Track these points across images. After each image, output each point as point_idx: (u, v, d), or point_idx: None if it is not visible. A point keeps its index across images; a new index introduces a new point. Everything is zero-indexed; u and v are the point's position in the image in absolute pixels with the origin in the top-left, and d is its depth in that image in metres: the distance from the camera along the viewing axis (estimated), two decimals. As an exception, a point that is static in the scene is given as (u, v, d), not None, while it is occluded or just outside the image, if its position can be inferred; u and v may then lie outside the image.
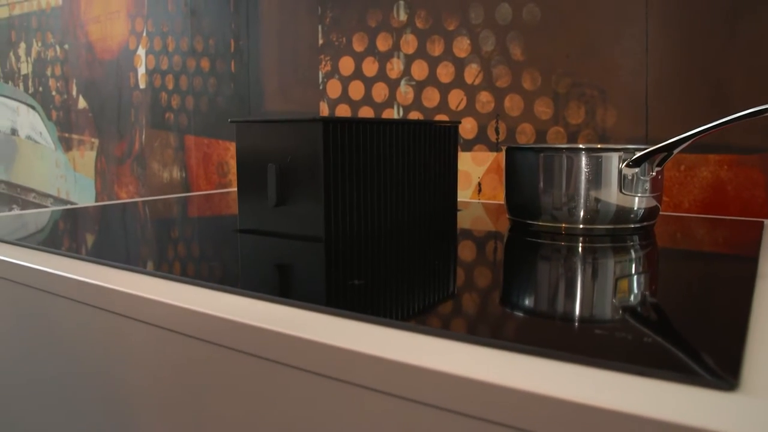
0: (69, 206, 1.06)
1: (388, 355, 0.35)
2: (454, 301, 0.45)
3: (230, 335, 0.43)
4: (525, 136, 1.09)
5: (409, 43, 1.22)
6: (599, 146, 0.71)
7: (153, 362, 0.51)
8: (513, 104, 1.10)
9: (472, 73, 1.15)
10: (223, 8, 1.54)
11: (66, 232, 0.78)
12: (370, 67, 1.28)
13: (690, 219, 0.87)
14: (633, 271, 0.54)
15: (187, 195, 1.29)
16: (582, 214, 0.72)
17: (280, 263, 0.58)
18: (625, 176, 0.70)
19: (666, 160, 0.70)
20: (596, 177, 0.70)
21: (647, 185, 0.71)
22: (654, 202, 0.73)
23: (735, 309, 0.42)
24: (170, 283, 0.53)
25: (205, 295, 0.49)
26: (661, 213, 0.95)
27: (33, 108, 2.16)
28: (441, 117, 1.19)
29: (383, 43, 1.26)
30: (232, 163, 1.55)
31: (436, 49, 1.19)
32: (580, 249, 0.64)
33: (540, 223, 0.75)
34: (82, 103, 1.96)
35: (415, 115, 1.22)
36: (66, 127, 2.03)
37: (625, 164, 0.70)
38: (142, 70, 1.76)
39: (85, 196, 2.00)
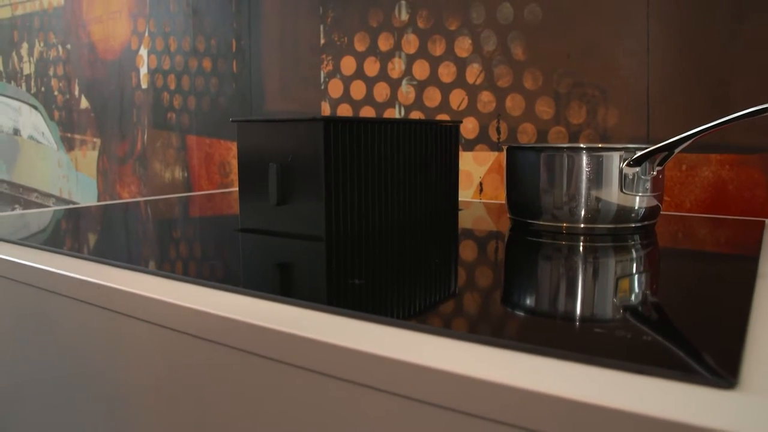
0: (71, 206, 1.06)
1: (388, 354, 0.35)
2: (454, 300, 0.45)
3: (231, 334, 0.43)
4: (526, 135, 1.09)
5: (411, 42, 1.22)
6: (600, 146, 0.71)
7: (154, 361, 0.51)
8: (514, 104, 1.10)
9: (473, 73, 1.15)
10: (225, 8, 1.54)
11: (68, 232, 0.79)
12: (371, 67, 1.28)
13: (691, 218, 0.87)
14: (634, 271, 0.54)
15: (189, 195, 1.29)
16: (583, 213, 0.72)
17: (281, 262, 0.59)
18: (626, 176, 0.70)
19: (667, 160, 0.70)
20: (597, 176, 0.70)
21: (648, 185, 0.71)
22: (655, 202, 0.73)
23: (735, 308, 0.42)
24: (172, 283, 0.53)
25: (206, 294, 0.49)
26: (662, 213, 0.95)
27: (35, 108, 2.16)
28: (442, 117, 1.19)
29: (385, 43, 1.26)
30: (234, 163, 1.55)
31: (438, 48, 1.19)
32: (581, 248, 0.64)
33: (541, 223, 0.75)
34: (84, 103, 1.97)
35: (416, 115, 1.22)
36: (68, 127, 2.04)
37: (626, 164, 0.70)
38: (144, 70, 1.76)
39: (87, 196, 2.00)
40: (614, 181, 0.70)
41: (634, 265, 0.56)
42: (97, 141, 1.94)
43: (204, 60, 1.60)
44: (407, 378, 0.35)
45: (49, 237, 0.75)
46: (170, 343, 0.49)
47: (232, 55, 1.54)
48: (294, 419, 0.41)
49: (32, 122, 2.18)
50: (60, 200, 2.12)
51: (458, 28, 1.16)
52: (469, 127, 1.16)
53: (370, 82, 1.28)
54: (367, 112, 1.29)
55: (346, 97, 1.32)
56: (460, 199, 1.17)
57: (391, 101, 1.25)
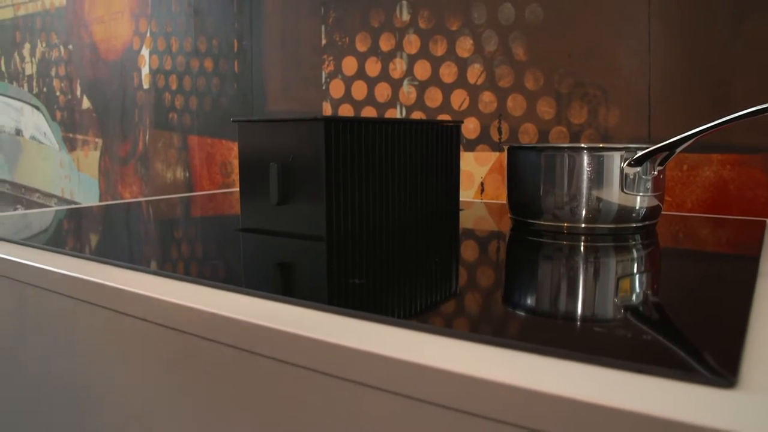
0: (73, 206, 1.06)
1: (389, 353, 0.35)
2: (456, 299, 0.45)
3: (232, 334, 0.43)
4: (528, 135, 1.09)
5: (412, 43, 1.22)
6: (601, 145, 0.71)
7: (156, 360, 0.51)
8: (515, 104, 1.10)
9: (474, 73, 1.15)
10: (227, 8, 1.54)
11: (70, 232, 0.79)
12: (373, 67, 1.28)
13: (692, 218, 0.87)
14: (634, 271, 0.54)
15: (191, 195, 1.29)
16: (584, 213, 0.72)
17: (282, 262, 0.59)
18: (626, 175, 0.70)
19: (668, 160, 0.70)
20: (598, 176, 0.70)
21: (649, 184, 0.71)
22: (656, 202, 0.73)
23: (735, 307, 0.42)
24: (173, 282, 0.53)
25: (207, 294, 0.49)
26: (663, 212, 0.95)
27: (37, 108, 2.17)
28: (444, 117, 1.19)
29: (386, 43, 1.26)
30: (236, 163, 1.56)
31: (439, 49, 1.19)
32: (581, 248, 0.64)
33: (542, 223, 0.75)
34: (86, 104, 1.97)
35: (417, 115, 1.22)
36: (70, 128, 2.04)
37: (626, 163, 0.70)
38: (145, 71, 1.77)
39: (89, 196, 2.01)
40: (615, 180, 0.70)
41: (635, 265, 0.57)
42: (99, 141, 1.94)
43: (205, 60, 1.61)
44: (408, 377, 0.35)
45: (51, 237, 0.75)
46: (172, 343, 0.49)
47: (233, 55, 1.54)
48: (295, 418, 0.41)
49: (34, 122, 2.19)
50: (62, 200, 2.12)
51: (459, 28, 1.16)
52: (470, 127, 1.16)
53: (372, 83, 1.28)
54: (369, 112, 1.29)
55: (347, 97, 1.32)
56: (461, 199, 1.17)
57: (393, 101, 1.25)
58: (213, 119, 1.61)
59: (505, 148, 0.80)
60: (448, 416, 0.34)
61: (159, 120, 1.74)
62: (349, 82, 1.32)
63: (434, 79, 1.20)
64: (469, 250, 0.64)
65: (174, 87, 1.69)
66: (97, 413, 0.58)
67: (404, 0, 1.22)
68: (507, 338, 0.36)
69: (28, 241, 0.72)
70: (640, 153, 0.69)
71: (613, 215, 0.71)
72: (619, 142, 1.00)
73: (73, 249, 0.66)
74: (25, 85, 2.20)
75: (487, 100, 1.14)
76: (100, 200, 1.97)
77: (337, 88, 1.34)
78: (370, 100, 1.29)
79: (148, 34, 1.75)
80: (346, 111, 1.33)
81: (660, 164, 0.71)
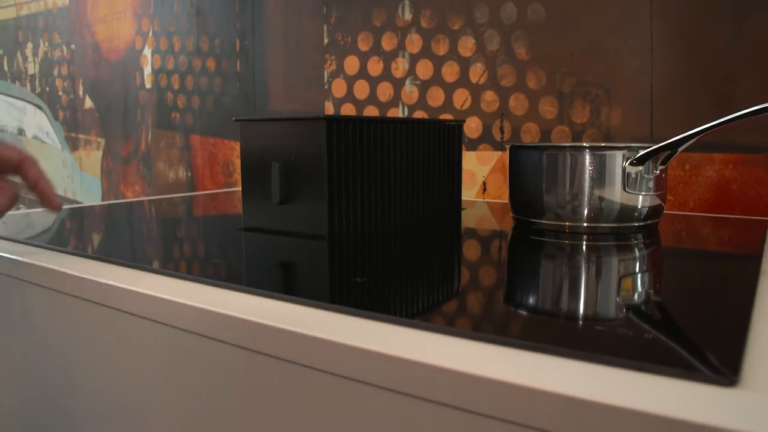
0: (75, 205, 1.06)
1: (391, 352, 0.35)
2: (458, 298, 0.45)
3: (234, 332, 0.43)
4: (530, 135, 1.09)
5: (414, 42, 1.22)
6: (603, 144, 0.71)
7: (158, 359, 0.51)
8: (518, 103, 1.10)
9: (476, 73, 1.15)
10: (229, 8, 1.54)
11: (73, 231, 0.79)
12: (375, 67, 1.28)
13: (695, 218, 0.87)
14: (636, 270, 0.54)
15: (193, 194, 1.29)
16: (586, 212, 0.72)
17: (284, 261, 0.59)
18: (628, 174, 0.70)
19: (670, 159, 0.70)
20: (600, 175, 0.70)
21: (651, 183, 0.71)
22: (658, 201, 0.73)
23: (737, 306, 0.42)
24: (175, 281, 0.53)
25: (209, 292, 0.49)
26: (665, 212, 0.95)
27: (40, 108, 2.17)
28: (446, 116, 1.19)
29: (388, 43, 1.26)
30: (238, 163, 1.56)
31: (441, 48, 1.19)
32: (583, 247, 0.64)
33: (544, 222, 0.75)
34: (88, 103, 1.97)
35: (420, 115, 1.22)
36: (72, 127, 2.04)
37: (628, 162, 0.70)
38: (148, 70, 1.77)
39: (91, 196, 2.01)
40: (617, 180, 0.70)
41: (637, 264, 0.56)
42: (102, 141, 1.94)
43: (208, 60, 1.61)
44: (410, 376, 0.35)
45: (53, 236, 0.75)
46: (174, 342, 0.49)
47: (235, 54, 1.54)
48: (297, 417, 0.42)
49: (37, 122, 2.19)
50: (64, 200, 2.12)
51: (461, 27, 1.16)
52: (472, 127, 1.16)
53: (374, 82, 1.28)
54: (371, 111, 1.29)
55: (349, 96, 1.32)
56: (463, 198, 1.17)
57: (395, 101, 1.26)
58: (215, 119, 1.61)
59: (507, 147, 0.80)
60: (450, 415, 0.34)
61: (161, 119, 1.75)
62: (351, 81, 1.32)
63: (436, 79, 1.20)
64: (471, 250, 0.64)
65: (176, 86, 1.69)
66: (99, 412, 0.58)
67: (406, 0, 1.22)
68: (509, 337, 0.36)
69: (30, 240, 0.72)
70: (642, 152, 0.69)
71: (615, 214, 0.71)
72: (621, 142, 1.00)
73: (75, 248, 0.67)
74: (28, 85, 2.21)
75: (490, 100, 1.14)
76: (103, 200, 1.98)
77: (339, 88, 1.34)
78: (372, 99, 1.29)
79: (151, 34, 1.75)
80: (348, 110, 1.33)
81: (662, 163, 0.71)
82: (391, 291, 0.47)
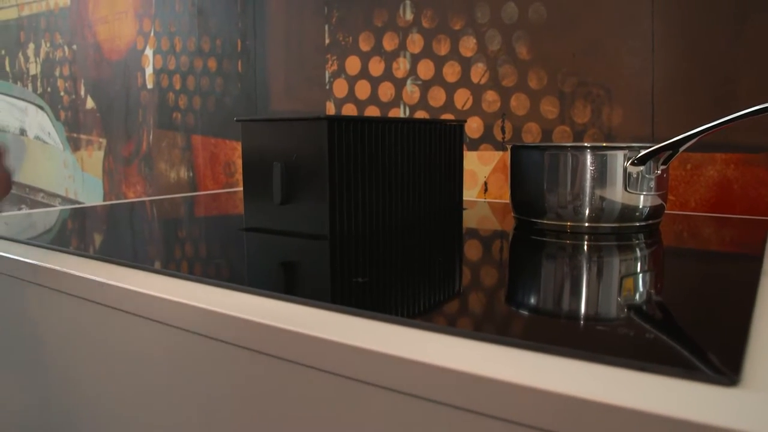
0: (77, 206, 1.06)
1: (393, 352, 0.35)
2: (459, 298, 0.45)
3: (236, 332, 0.44)
4: (531, 135, 1.09)
5: (416, 42, 1.22)
6: (604, 144, 0.71)
7: (160, 359, 0.51)
8: (519, 103, 1.10)
9: (478, 73, 1.15)
10: (230, 8, 1.55)
11: (74, 232, 0.79)
12: (376, 67, 1.28)
13: (696, 218, 0.87)
14: (637, 270, 0.54)
15: (194, 195, 1.29)
16: (587, 212, 0.72)
17: (285, 261, 0.59)
18: (630, 174, 0.70)
19: (671, 159, 0.70)
20: (601, 175, 0.70)
21: (652, 183, 0.71)
22: (659, 201, 0.73)
23: (738, 306, 0.42)
24: (177, 281, 0.53)
25: (211, 292, 0.49)
26: (667, 212, 0.95)
27: (41, 108, 2.17)
28: (447, 116, 1.19)
29: (389, 43, 1.26)
30: (239, 163, 1.56)
31: (443, 48, 1.19)
32: (585, 247, 0.64)
33: (545, 222, 0.75)
34: (90, 104, 1.98)
35: (421, 115, 1.22)
36: (74, 128, 2.05)
37: (629, 162, 0.70)
38: (149, 70, 1.77)
39: (92, 196, 2.01)
40: (618, 180, 0.70)
41: (638, 264, 0.57)
42: (103, 141, 1.95)
43: (209, 60, 1.61)
44: (412, 376, 0.35)
45: (55, 237, 0.75)
46: (176, 342, 0.49)
47: (237, 55, 1.54)
48: (298, 416, 0.42)
49: (38, 122, 2.19)
50: (66, 200, 2.12)
51: (463, 27, 1.16)
52: (473, 127, 1.16)
53: (375, 82, 1.29)
54: (372, 111, 1.29)
55: (350, 96, 1.32)
56: (464, 198, 1.17)
57: (396, 101, 1.26)
58: (216, 119, 1.61)
59: (509, 147, 0.80)
60: (452, 414, 0.34)
61: (163, 120, 1.75)
62: (352, 81, 1.32)
63: (437, 79, 1.20)
64: (472, 250, 0.64)
65: (178, 87, 1.70)
66: (100, 412, 0.59)
67: (407, 0, 1.22)
68: (511, 337, 0.36)
69: (32, 241, 0.72)
70: (643, 152, 0.69)
71: (616, 214, 0.71)
72: (622, 142, 1.00)
73: (77, 248, 0.67)
74: (30, 85, 2.21)
75: (491, 100, 1.14)
76: (104, 200, 1.98)
77: (340, 88, 1.34)
78: (373, 99, 1.29)
79: (152, 34, 1.75)
80: (349, 110, 1.33)
81: (663, 163, 0.71)
82: (393, 291, 0.47)
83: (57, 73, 2.09)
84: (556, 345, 0.34)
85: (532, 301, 0.44)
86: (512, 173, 0.79)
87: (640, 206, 0.71)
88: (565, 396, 0.30)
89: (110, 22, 1.88)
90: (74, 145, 2.05)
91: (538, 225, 0.76)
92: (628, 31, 0.99)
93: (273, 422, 0.43)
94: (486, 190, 1.16)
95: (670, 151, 0.69)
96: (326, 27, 1.36)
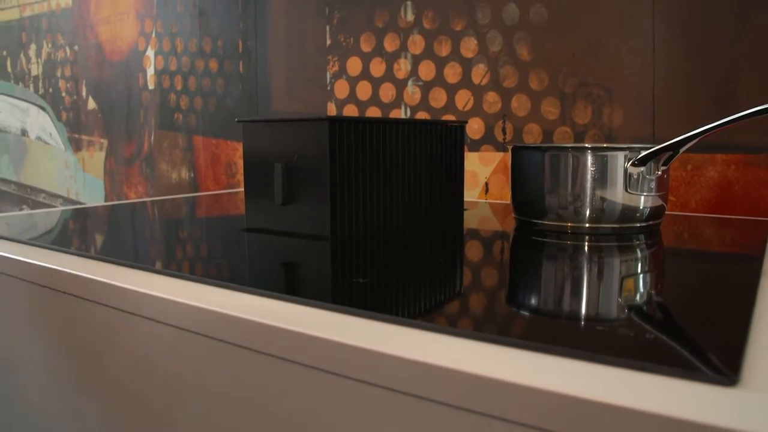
0: (78, 206, 1.07)
1: (393, 352, 0.35)
2: (460, 299, 0.45)
3: (237, 332, 0.44)
4: (532, 136, 1.09)
5: (417, 43, 1.22)
6: (605, 145, 0.71)
7: (162, 359, 0.51)
8: (520, 104, 1.10)
9: (479, 74, 1.15)
10: (232, 9, 1.55)
11: (76, 232, 0.79)
12: (377, 68, 1.28)
13: (696, 218, 0.87)
14: (638, 270, 0.55)
15: (195, 195, 1.29)
16: (588, 213, 0.72)
17: (286, 262, 0.59)
18: (630, 175, 0.70)
19: (671, 159, 0.70)
20: (602, 176, 0.70)
21: (653, 184, 0.71)
22: (660, 201, 0.73)
23: (738, 307, 0.42)
24: (178, 282, 0.53)
25: (212, 293, 0.49)
26: (667, 212, 0.95)
27: (43, 109, 2.18)
28: (448, 117, 1.19)
29: (390, 44, 1.26)
30: (240, 164, 1.56)
31: (444, 49, 1.19)
32: (585, 248, 0.64)
33: (546, 222, 0.75)
34: (91, 104, 1.98)
35: (422, 116, 1.23)
36: (75, 128, 2.05)
37: (630, 163, 0.70)
38: (151, 71, 1.77)
39: (94, 197, 2.02)
40: (619, 180, 0.70)
41: (639, 265, 0.57)
42: (104, 142, 1.95)
43: (210, 61, 1.61)
44: (412, 376, 0.35)
45: (56, 237, 0.75)
46: (177, 341, 0.49)
47: (238, 56, 1.55)
48: (299, 416, 0.42)
49: (40, 123, 2.20)
50: (67, 201, 2.13)
51: (464, 28, 1.16)
52: (474, 128, 1.16)
53: (376, 83, 1.29)
54: (373, 112, 1.29)
55: (352, 97, 1.33)
56: (465, 199, 1.17)
57: (397, 102, 1.26)
58: (218, 120, 1.61)
59: (510, 148, 0.80)
60: (453, 414, 0.34)
61: (164, 120, 1.75)
62: (353, 82, 1.32)
63: (439, 80, 1.20)
64: (473, 250, 0.64)
65: (179, 87, 1.70)
66: (101, 411, 0.59)
67: (409, 0, 1.23)
68: (511, 337, 0.36)
69: (34, 241, 0.72)
70: (643, 153, 0.69)
71: (616, 215, 0.71)
72: (623, 142, 1.00)
73: (78, 249, 0.67)
74: (31, 86, 2.21)
75: (492, 101, 1.14)
76: (106, 200, 1.98)
77: (341, 89, 1.34)
78: (374, 100, 1.29)
79: (154, 35, 1.75)
80: (350, 111, 1.33)
81: (664, 164, 0.71)
82: (394, 291, 0.47)
83: (58, 73, 2.09)
84: (557, 345, 0.34)
85: (533, 301, 0.44)
86: (513, 174, 0.79)
87: (641, 207, 0.71)
88: (566, 396, 0.30)
89: (112, 22, 1.88)
90: (76, 145, 2.06)
91: (538, 226, 0.76)
92: (628, 32, 0.99)
93: (273, 422, 0.43)
94: (487, 190, 1.16)
95: (671, 152, 0.69)
96: (327, 28, 1.36)
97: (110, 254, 0.63)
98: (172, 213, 0.97)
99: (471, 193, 1.17)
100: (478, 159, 1.16)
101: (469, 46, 1.15)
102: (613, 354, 0.33)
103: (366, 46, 1.30)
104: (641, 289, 0.48)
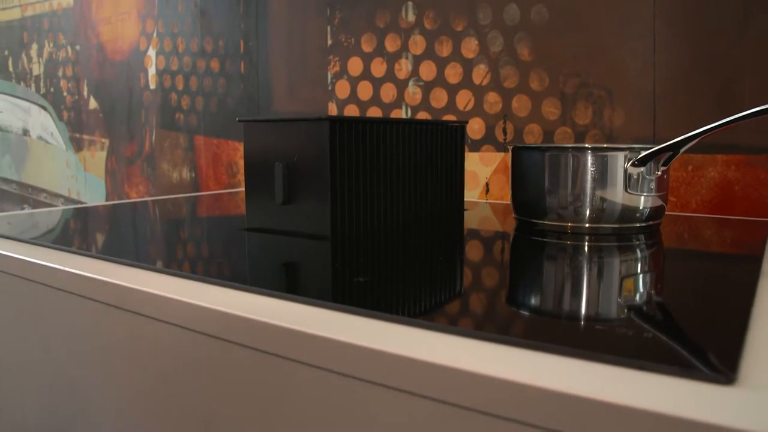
0: (79, 205, 1.07)
1: (393, 350, 0.36)
2: (460, 298, 0.45)
3: (238, 331, 0.44)
4: (532, 136, 1.10)
5: (418, 43, 1.22)
6: (605, 145, 0.71)
7: (162, 358, 0.51)
8: (521, 104, 1.11)
9: (480, 74, 1.15)
10: (233, 9, 1.55)
11: (77, 231, 0.79)
12: (378, 68, 1.29)
13: (696, 219, 0.87)
14: (638, 270, 0.55)
15: (196, 195, 1.30)
16: (588, 213, 0.72)
17: (287, 261, 0.59)
18: (630, 175, 0.70)
19: (671, 160, 0.70)
20: (602, 176, 0.71)
21: (653, 184, 0.71)
22: (659, 202, 0.73)
23: (736, 306, 0.42)
24: (179, 280, 0.53)
25: (213, 291, 0.49)
26: (667, 213, 0.95)
27: (44, 108, 2.18)
28: (449, 117, 1.19)
29: (391, 44, 1.26)
30: (241, 164, 1.56)
31: (444, 49, 1.19)
32: (585, 248, 0.64)
33: (546, 223, 0.75)
34: (92, 104, 1.98)
35: (423, 116, 1.23)
36: (77, 128, 2.05)
37: (630, 163, 0.70)
38: (152, 71, 1.77)
39: (95, 196, 2.02)
40: (619, 181, 0.70)
41: (638, 265, 0.57)
42: (106, 141, 1.95)
43: (212, 61, 1.61)
44: (413, 374, 0.35)
45: (58, 236, 0.76)
46: (178, 341, 0.50)
47: (239, 55, 1.55)
48: (300, 416, 0.42)
49: (41, 123, 2.20)
50: (68, 200, 2.13)
51: (465, 28, 1.16)
52: (475, 128, 1.16)
53: (377, 83, 1.29)
54: (374, 112, 1.29)
55: (353, 97, 1.33)
56: (466, 199, 1.17)
57: (398, 102, 1.26)
58: (219, 119, 1.61)
59: (510, 148, 0.80)
60: (452, 413, 0.34)
61: (165, 120, 1.75)
62: (354, 82, 1.32)
63: (439, 80, 1.20)
64: (473, 250, 0.64)
65: (180, 87, 1.70)
66: (102, 411, 0.59)
67: (410, 1, 1.23)
68: (511, 336, 0.36)
69: (35, 240, 0.72)
70: (643, 153, 0.69)
71: (616, 215, 0.71)
72: (624, 143, 1.00)
73: (79, 248, 0.67)
74: (33, 86, 2.22)
75: (492, 101, 1.14)
76: (107, 200, 1.98)
77: (342, 89, 1.34)
78: (375, 100, 1.29)
79: (155, 35, 1.76)
80: (351, 111, 1.33)
81: (664, 164, 0.71)
82: (394, 291, 0.47)
83: (60, 73, 2.09)
84: (556, 344, 0.35)
85: (533, 301, 0.45)
86: (513, 174, 0.80)
87: (641, 207, 0.72)
88: (565, 394, 0.30)
89: (113, 22, 1.88)
90: (77, 145, 2.06)
91: (538, 226, 0.76)
92: (629, 32, 0.99)
93: (274, 421, 0.43)
94: (487, 191, 1.16)
95: (671, 153, 0.69)
96: (328, 28, 1.36)
97: (111, 253, 0.63)
98: (173, 212, 0.97)
99: (471, 194, 1.17)
100: (479, 159, 1.16)
101: (470, 47, 1.16)
102: (613, 353, 0.33)
103: (367, 47, 1.30)
104: (641, 289, 0.48)
